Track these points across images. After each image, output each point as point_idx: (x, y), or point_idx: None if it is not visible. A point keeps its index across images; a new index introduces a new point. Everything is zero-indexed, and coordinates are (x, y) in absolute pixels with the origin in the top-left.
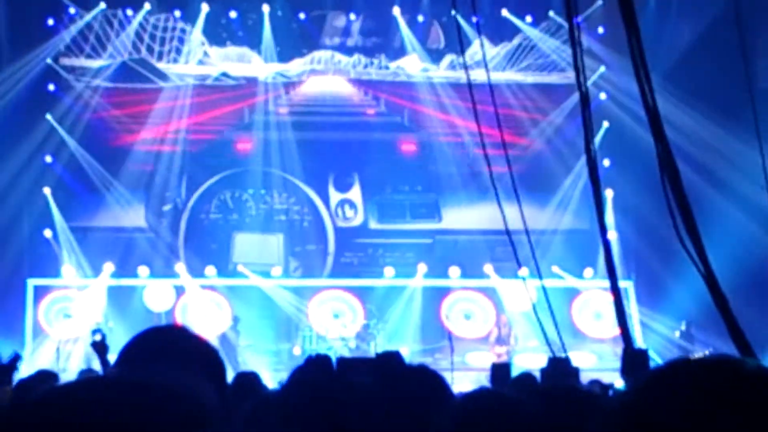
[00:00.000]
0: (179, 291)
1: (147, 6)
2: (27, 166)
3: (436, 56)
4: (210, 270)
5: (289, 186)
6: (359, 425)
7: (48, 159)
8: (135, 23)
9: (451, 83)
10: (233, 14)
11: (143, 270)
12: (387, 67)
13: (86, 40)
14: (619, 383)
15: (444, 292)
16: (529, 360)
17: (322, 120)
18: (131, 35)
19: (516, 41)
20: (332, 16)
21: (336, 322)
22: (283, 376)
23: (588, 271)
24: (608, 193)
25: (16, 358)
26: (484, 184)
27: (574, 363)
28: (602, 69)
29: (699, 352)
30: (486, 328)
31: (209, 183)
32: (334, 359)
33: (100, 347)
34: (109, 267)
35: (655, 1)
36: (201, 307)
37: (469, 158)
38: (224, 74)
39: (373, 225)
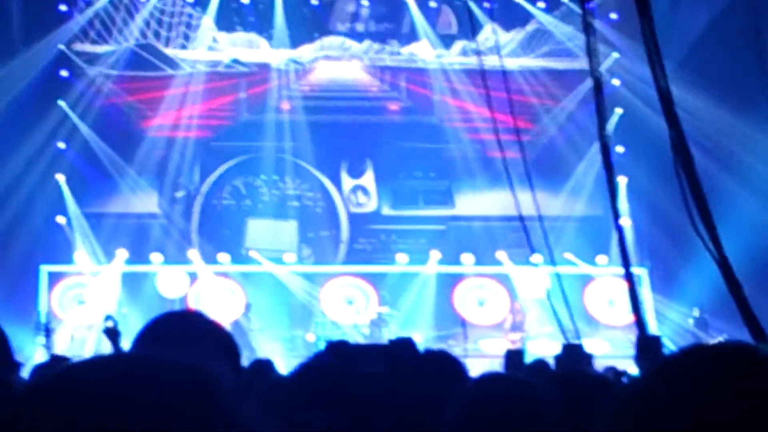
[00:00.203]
0: (192, 277)
1: None
2: (40, 152)
3: (448, 41)
4: (223, 257)
5: (302, 172)
6: (370, 411)
7: (61, 145)
8: (149, 7)
9: (463, 69)
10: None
11: (156, 256)
12: (399, 53)
13: (99, 26)
14: (633, 370)
15: (457, 278)
16: (543, 347)
17: (335, 106)
18: (143, 20)
19: (528, 27)
20: (344, 1)
21: (349, 309)
22: (297, 362)
23: (601, 258)
24: (622, 180)
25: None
26: (497, 170)
27: (588, 350)
28: (615, 55)
29: (713, 339)
30: (499, 314)
31: (222, 169)
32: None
33: (113, 333)
34: (122, 253)
35: None
36: (214, 294)
37: (482, 144)
38: (235, 61)
39: (387, 211)
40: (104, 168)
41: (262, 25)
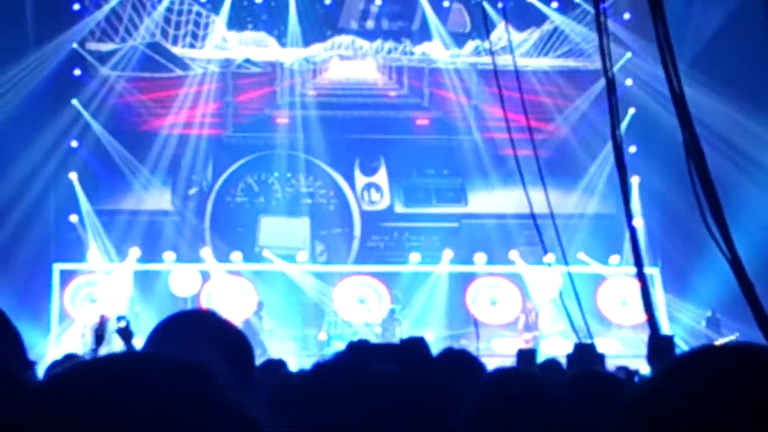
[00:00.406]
0: (205, 276)
1: None
2: (53, 151)
3: (461, 41)
4: (236, 255)
5: (315, 169)
6: (382, 411)
7: (74, 144)
8: (162, 6)
9: (476, 69)
10: None
11: (169, 255)
12: (412, 53)
13: (111, 25)
14: (645, 370)
15: (470, 277)
16: (555, 346)
17: (348, 104)
18: (155, 19)
19: (542, 27)
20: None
21: (361, 308)
22: (309, 361)
23: (614, 258)
24: (634, 180)
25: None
26: (510, 168)
27: (600, 349)
28: (628, 55)
29: (724, 337)
30: (512, 314)
31: (235, 166)
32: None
33: (126, 333)
34: (134, 251)
35: None
36: (226, 293)
37: (495, 142)
38: (248, 60)
39: (399, 209)
40: (117, 166)
41: (274, 23)
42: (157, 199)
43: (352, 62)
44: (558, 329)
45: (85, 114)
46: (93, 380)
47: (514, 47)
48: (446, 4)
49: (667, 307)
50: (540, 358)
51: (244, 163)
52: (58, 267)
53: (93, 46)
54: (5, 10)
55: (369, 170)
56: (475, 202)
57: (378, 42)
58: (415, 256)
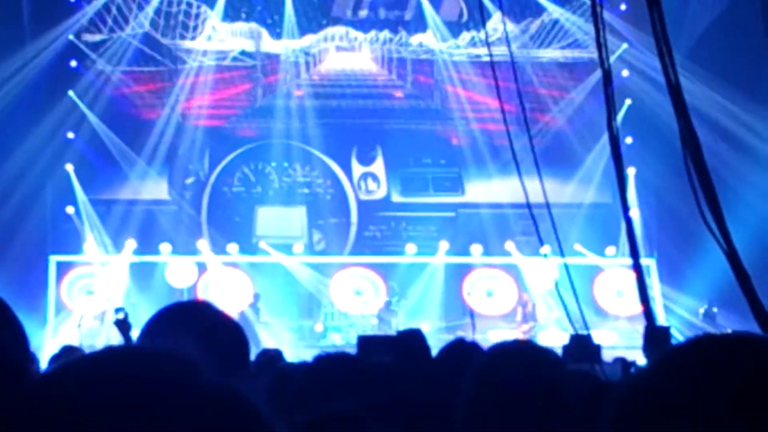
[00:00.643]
0: (201, 268)
1: None
2: (49, 142)
3: (456, 31)
4: (232, 247)
5: (312, 159)
6: (381, 403)
7: (70, 135)
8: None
9: (472, 60)
10: None
11: (165, 246)
12: (408, 43)
13: (107, 16)
14: (642, 361)
15: (466, 268)
16: (551, 337)
17: (345, 94)
18: (150, 11)
19: (538, 18)
20: None
21: (358, 299)
22: (305, 352)
23: (610, 249)
24: (630, 171)
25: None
26: (507, 158)
27: (596, 340)
28: (625, 46)
29: (720, 330)
30: (508, 305)
31: (232, 156)
32: (355, 336)
33: (123, 325)
34: (131, 243)
35: None
36: (223, 284)
37: (491, 132)
38: (243, 52)
39: (396, 198)
40: (113, 157)
41: (269, 13)
42: (154, 189)
43: (349, 53)
44: (554, 317)
45: (81, 105)
46: (89, 376)
47: (511, 38)
48: None
49: (663, 299)
50: None
51: (240, 153)
52: (54, 259)
53: (89, 37)
54: (1, 2)
55: (366, 160)
56: (471, 192)
57: (373, 32)
58: (411, 247)
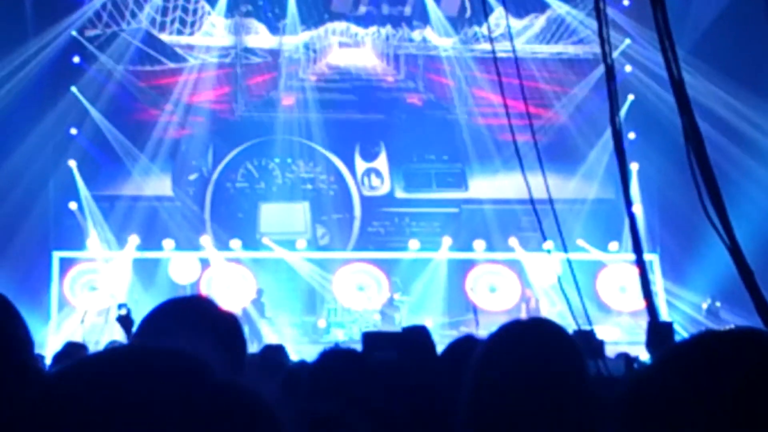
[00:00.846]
0: (204, 264)
1: None
2: (52, 138)
3: (460, 27)
4: (235, 243)
5: (316, 155)
6: (386, 400)
7: (73, 131)
8: None
9: (475, 55)
10: None
11: (168, 243)
12: (411, 39)
13: (110, 12)
14: (645, 356)
15: (469, 264)
16: None
17: (348, 90)
18: (153, 7)
19: (540, 13)
20: None
21: (361, 295)
22: (308, 348)
23: (613, 245)
24: (633, 167)
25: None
26: (510, 153)
27: (599, 336)
28: (628, 41)
29: (723, 326)
30: (511, 301)
31: (235, 152)
32: (358, 332)
33: (126, 321)
34: (134, 239)
35: None
36: (226, 280)
37: (495, 128)
38: (245, 48)
39: (400, 194)
40: (116, 153)
41: (270, 8)
42: (157, 185)
43: (351, 49)
44: (557, 312)
45: (84, 101)
46: (102, 376)
47: (514, 34)
48: None
49: (666, 294)
50: None
51: (244, 149)
52: (57, 255)
53: (92, 33)
54: None
55: (369, 155)
56: (475, 188)
57: (375, 28)
58: (414, 243)
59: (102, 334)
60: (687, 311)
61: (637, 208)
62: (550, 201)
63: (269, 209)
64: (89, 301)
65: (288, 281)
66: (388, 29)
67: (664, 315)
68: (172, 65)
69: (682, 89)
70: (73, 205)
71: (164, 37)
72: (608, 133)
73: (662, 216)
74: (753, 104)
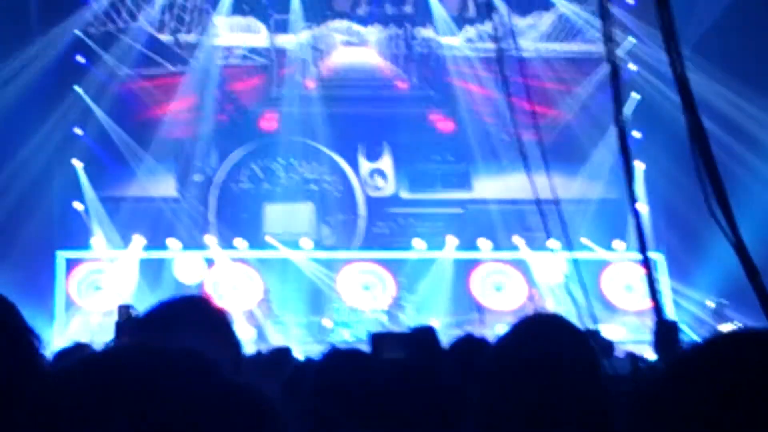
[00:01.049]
0: (210, 263)
1: None
2: (56, 137)
3: (464, 26)
4: (240, 242)
5: (320, 155)
6: (393, 401)
7: (78, 131)
8: None
9: (479, 55)
10: None
11: (174, 242)
12: (415, 38)
13: (114, 11)
14: (651, 355)
15: (474, 264)
16: None
17: (352, 90)
18: (156, 8)
19: (545, 12)
20: None
21: (366, 295)
22: (314, 348)
23: (618, 243)
24: (639, 166)
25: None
26: (515, 153)
27: (606, 336)
28: (632, 40)
29: (728, 326)
30: (517, 300)
31: (240, 153)
32: (365, 332)
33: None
34: (139, 239)
35: None
36: (232, 280)
37: (499, 128)
38: (250, 48)
39: (404, 194)
40: (121, 153)
41: (275, 9)
42: (162, 185)
43: (355, 48)
44: (563, 312)
45: (89, 100)
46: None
47: (518, 32)
48: None
49: (672, 293)
50: None
51: (248, 150)
52: (62, 255)
53: (96, 32)
54: None
55: (374, 156)
56: (479, 188)
57: (378, 27)
58: (419, 243)
59: (108, 334)
60: (693, 311)
61: (643, 208)
62: (556, 201)
63: (274, 210)
64: (95, 301)
65: (293, 281)
66: (391, 28)
67: (671, 314)
68: (175, 65)
69: (687, 88)
70: (77, 205)
71: (168, 37)
72: (612, 133)
73: (668, 215)
74: (758, 102)
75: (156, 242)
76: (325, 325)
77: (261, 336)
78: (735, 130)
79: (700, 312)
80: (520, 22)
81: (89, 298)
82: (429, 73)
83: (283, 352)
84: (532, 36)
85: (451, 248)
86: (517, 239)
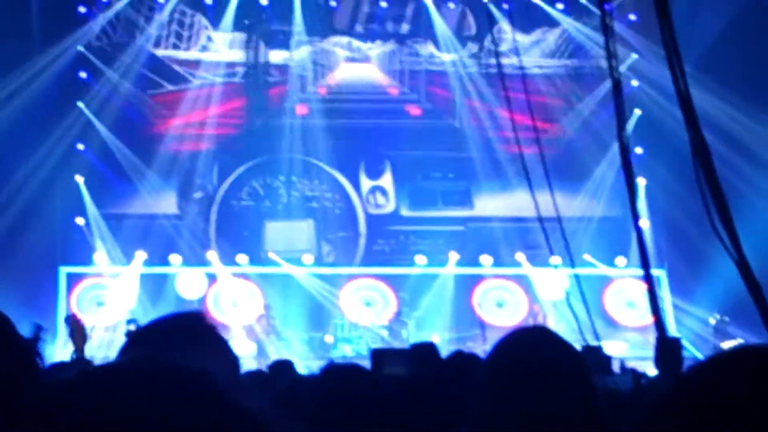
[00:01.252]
0: (211, 279)
1: None
2: (59, 153)
3: (466, 43)
4: (242, 258)
5: (321, 173)
6: (393, 417)
7: (80, 147)
8: (166, 12)
9: (482, 71)
10: (264, 1)
11: (175, 258)
12: (416, 54)
13: (117, 28)
14: (652, 372)
15: (476, 279)
16: None
17: (353, 107)
18: (159, 24)
19: (547, 28)
20: (362, 1)
21: (368, 311)
22: (315, 363)
23: (620, 260)
24: (641, 182)
25: (38, 329)
26: (516, 171)
27: (607, 352)
28: (634, 56)
29: (730, 342)
30: (518, 316)
31: (240, 170)
32: (366, 348)
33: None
34: (141, 255)
35: None
36: (233, 295)
37: (501, 145)
38: (251, 65)
39: (405, 212)
40: (123, 169)
41: (278, 24)
42: (163, 202)
43: (356, 64)
44: (564, 328)
45: (91, 116)
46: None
47: (520, 49)
48: (451, 6)
49: (674, 310)
50: None
51: (249, 167)
52: (64, 270)
53: (98, 48)
54: (11, 12)
55: (374, 174)
56: (480, 205)
57: (378, 43)
58: (421, 259)
59: (109, 349)
60: (695, 327)
61: (645, 224)
62: (558, 219)
63: (274, 227)
64: (97, 317)
65: (295, 297)
66: (392, 44)
67: (673, 331)
68: (177, 82)
69: (689, 104)
70: (80, 221)
71: (170, 52)
72: (615, 150)
73: (669, 231)
74: (760, 118)
75: (158, 258)
76: (326, 340)
77: (261, 351)
78: (737, 146)
79: (702, 328)
80: (524, 39)
81: (91, 314)
82: (430, 89)
83: (285, 365)
84: (537, 52)
85: (452, 264)
86: (519, 256)
